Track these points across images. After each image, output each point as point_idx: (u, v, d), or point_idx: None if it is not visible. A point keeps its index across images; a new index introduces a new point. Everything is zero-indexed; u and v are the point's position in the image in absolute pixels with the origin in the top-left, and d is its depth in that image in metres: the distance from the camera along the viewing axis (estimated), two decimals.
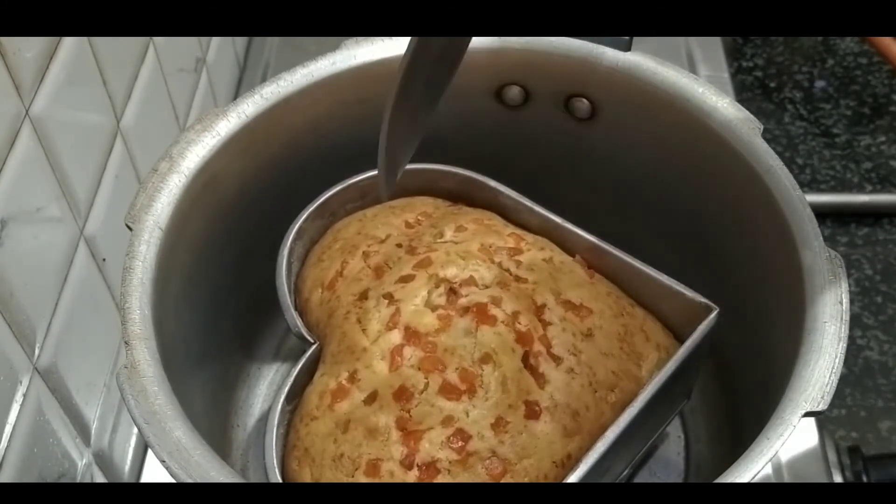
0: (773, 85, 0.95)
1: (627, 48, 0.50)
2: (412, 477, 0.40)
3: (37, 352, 0.47)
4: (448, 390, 0.41)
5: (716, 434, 0.55)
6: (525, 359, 0.43)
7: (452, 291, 0.44)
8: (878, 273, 0.79)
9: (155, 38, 0.61)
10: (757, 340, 0.48)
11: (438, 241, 0.48)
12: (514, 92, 0.53)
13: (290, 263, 0.49)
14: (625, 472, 0.48)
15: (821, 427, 0.60)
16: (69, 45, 0.49)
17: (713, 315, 0.45)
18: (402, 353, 0.42)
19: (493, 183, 0.51)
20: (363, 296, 0.45)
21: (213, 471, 0.37)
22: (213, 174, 0.47)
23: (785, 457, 0.57)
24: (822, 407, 0.38)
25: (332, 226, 0.51)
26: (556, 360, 0.43)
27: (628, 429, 0.42)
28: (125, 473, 0.58)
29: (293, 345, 0.58)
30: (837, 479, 0.58)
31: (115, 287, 0.55)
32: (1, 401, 0.44)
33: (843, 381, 0.73)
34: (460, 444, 0.41)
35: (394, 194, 0.47)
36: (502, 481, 0.40)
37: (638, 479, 0.53)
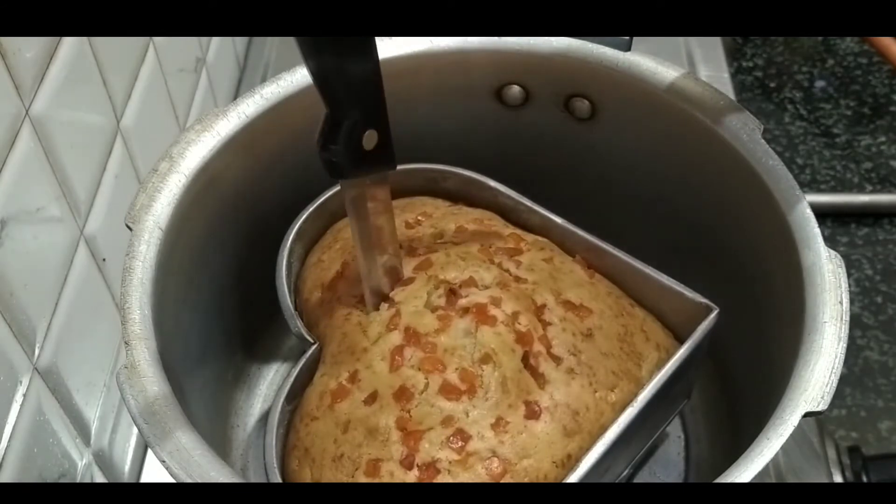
0: (773, 85, 0.95)
1: (627, 48, 0.50)
2: (412, 477, 0.40)
3: (37, 352, 0.47)
4: (448, 390, 0.41)
5: (716, 434, 0.55)
6: (525, 359, 0.43)
7: (452, 292, 0.44)
8: (878, 273, 0.79)
9: (155, 38, 0.61)
10: (757, 340, 0.48)
11: (438, 241, 0.48)
12: (514, 92, 0.53)
13: (290, 264, 0.49)
14: (625, 472, 0.48)
15: (821, 427, 0.60)
16: (69, 45, 0.49)
17: (713, 315, 0.45)
18: (402, 353, 0.42)
19: (493, 183, 0.51)
20: (363, 297, 0.45)
21: (213, 471, 0.37)
22: (213, 174, 0.47)
23: (785, 457, 0.57)
24: (822, 407, 0.38)
25: (332, 226, 0.51)
26: (556, 360, 0.43)
27: (628, 429, 0.42)
28: (125, 473, 0.58)
29: (293, 345, 0.58)
30: (837, 479, 0.58)
31: (115, 287, 0.55)
32: (1, 401, 0.44)
33: (843, 381, 0.73)
34: (460, 444, 0.40)
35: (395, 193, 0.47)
36: (502, 481, 0.40)
37: (638, 479, 0.53)
